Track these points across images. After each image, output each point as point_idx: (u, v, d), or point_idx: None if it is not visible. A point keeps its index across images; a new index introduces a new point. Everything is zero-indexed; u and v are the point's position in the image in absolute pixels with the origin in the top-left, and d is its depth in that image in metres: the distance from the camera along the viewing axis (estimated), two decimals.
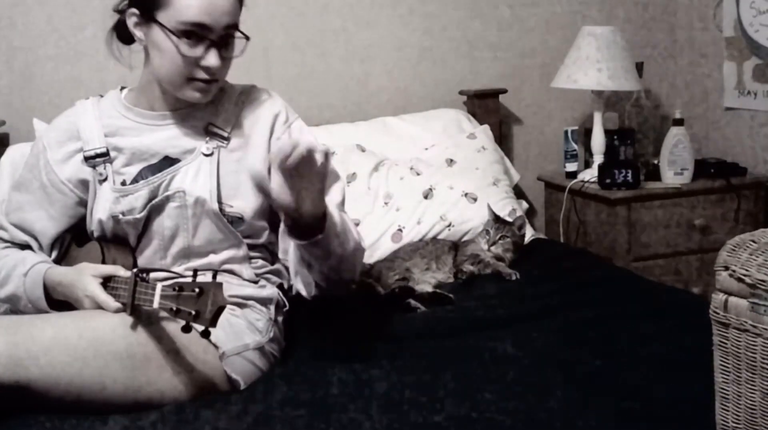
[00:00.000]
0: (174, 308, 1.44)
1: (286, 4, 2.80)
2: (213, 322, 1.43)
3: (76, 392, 1.44)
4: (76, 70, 2.61)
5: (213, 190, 1.69)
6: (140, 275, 1.52)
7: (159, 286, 1.48)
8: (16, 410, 1.42)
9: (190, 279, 1.47)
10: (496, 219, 2.33)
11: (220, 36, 1.62)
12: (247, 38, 1.66)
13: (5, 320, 1.54)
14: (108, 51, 1.76)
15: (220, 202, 1.70)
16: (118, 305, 1.52)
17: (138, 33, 1.66)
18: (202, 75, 1.64)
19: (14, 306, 1.73)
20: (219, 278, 1.61)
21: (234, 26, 1.64)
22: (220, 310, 1.43)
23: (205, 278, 1.49)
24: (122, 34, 1.74)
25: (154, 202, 1.68)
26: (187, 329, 1.44)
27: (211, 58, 1.62)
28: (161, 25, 1.60)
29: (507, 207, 2.52)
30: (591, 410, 1.41)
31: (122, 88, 1.81)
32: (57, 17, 2.58)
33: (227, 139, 1.73)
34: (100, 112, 1.75)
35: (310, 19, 2.83)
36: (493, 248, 2.26)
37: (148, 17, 1.62)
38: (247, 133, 1.75)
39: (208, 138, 1.72)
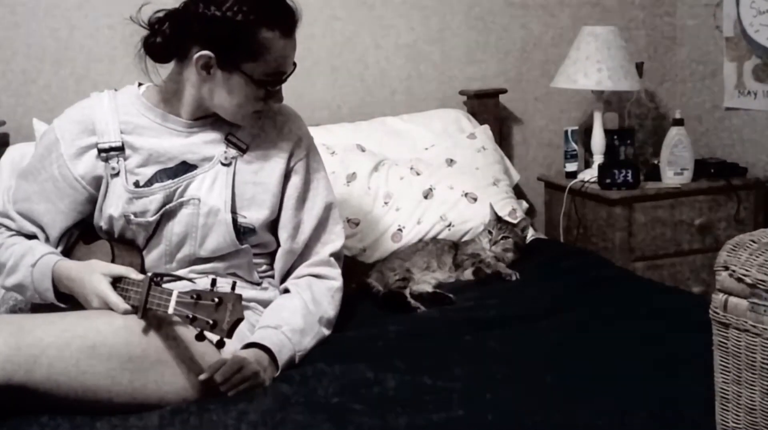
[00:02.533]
0: (190, 316, 1.44)
1: None
2: (230, 333, 1.44)
3: (77, 392, 1.44)
4: (76, 70, 2.60)
5: (227, 201, 1.70)
6: (155, 279, 1.52)
7: (175, 293, 1.48)
8: (17, 410, 1.42)
9: (207, 287, 1.48)
10: (498, 219, 2.33)
11: None
12: (294, 65, 1.73)
13: (7, 319, 1.53)
14: (141, 70, 1.72)
15: (234, 211, 1.70)
16: (127, 307, 1.52)
17: (203, 72, 1.65)
18: (265, 107, 1.72)
19: (21, 295, 1.73)
20: (221, 280, 1.62)
21: None
22: (238, 322, 1.44)
23: (224, 288, 1.49)
24: (155, 53, 1.70)
25: (167, 207, 1.68)
26: (200, 337, 1.44)
27: (280, 96, 1.72)
28: (245, 74, 1.64)
29: (507, 207, 2.52)
30: (591, 410, 1.41)
31: (139, 84, 1.79)
32: (57, 17, 2.58)
33: (245, 150, 1.75)
34: (116, 105, 1.74)
35: (309, 19, 2.82)
36: (494, 248, 2.26)
37: (230, 65, 1.64)
38: (267, 149, 1.77)
39: (226, 147, 1.73)
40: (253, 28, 1.61)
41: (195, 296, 1.45)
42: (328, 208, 1.85)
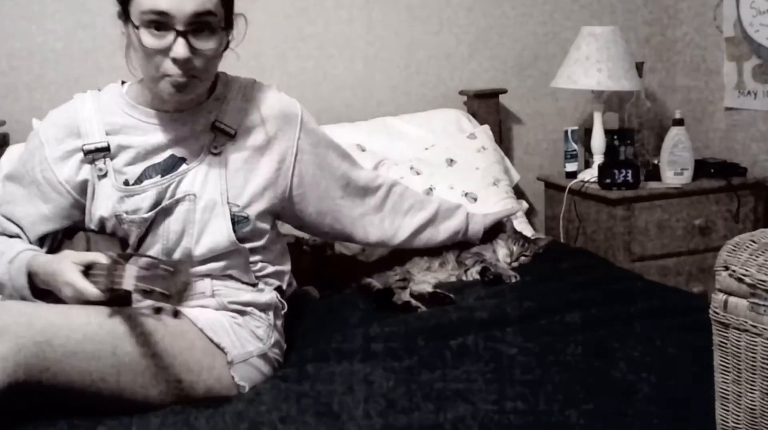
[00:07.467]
0: (148, 290, 1.41)
1: (285, 4, 2.80)
2: (179, 300, 1.42)
3: (89, 393, 1.44)
4: (76, 70, 2.61)
5: (224, 192, 1.68)
6: (118, 259, 1.48)
7: (132, 268, 1.44)
8: (19, 412, 1.41)
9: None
10: (517, 234, 2.33)
11: (189, 24, 1.53)
12: (228, 27, 1.62)
13: (30, 312, 1.47)
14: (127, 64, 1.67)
15: (228, 202, 1.69)
16: (97, 292, 1.48)
17: (125, 38, 1.61)
18: (174, 69, 1.56)
19: (1, 293, 1.71)
20: (217, 282, 1.62)
21: (207, 13, 1.55)
22: (185, 286, 1.42)
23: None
24: None
25: (163, 205, 1.66)
26: (157, 310, 1.43)
27: (179, 49, 1.53)
28: (129, 19, 1.56)
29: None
30: (591, 410, 1.41)
31: (123, 82, 1.76)
32: (58, 17, 2.58)
33: (233, 136, 1.71)
34: (100, 106, 1.71)
35: (309, 19, 2.83)
36: (513, 263, 2.26)
37: (125, 15, 1.58)
38: (255, 132, 1.74)
39: (214, 135, 1.71)
40: None
41: (149, 267, 1.43)
42: (346, 156, 1.93)
